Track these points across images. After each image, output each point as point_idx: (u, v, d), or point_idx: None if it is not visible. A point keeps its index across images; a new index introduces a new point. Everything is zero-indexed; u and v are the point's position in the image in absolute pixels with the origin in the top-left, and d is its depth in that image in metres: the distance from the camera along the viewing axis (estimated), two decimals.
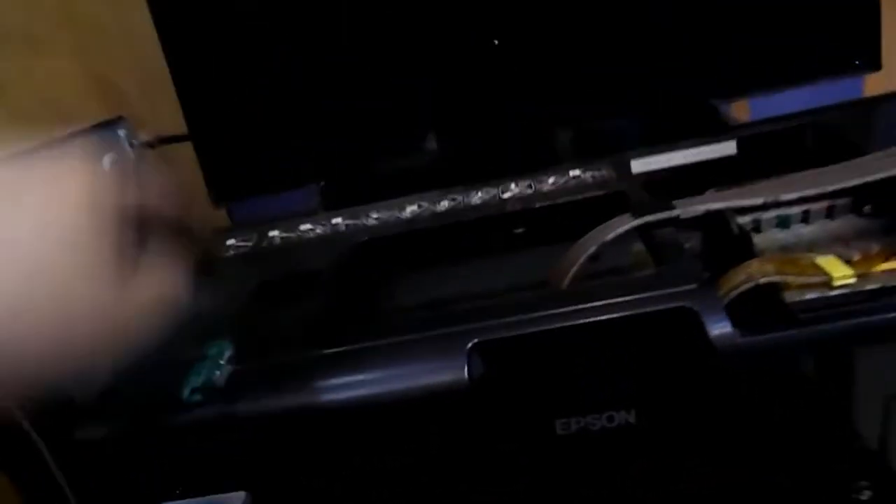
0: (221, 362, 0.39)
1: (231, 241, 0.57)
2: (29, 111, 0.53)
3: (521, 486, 0.40)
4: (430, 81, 0.58)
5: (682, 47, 0.56)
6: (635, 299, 0.35)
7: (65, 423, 0.38)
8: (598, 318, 0.35)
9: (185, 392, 0.37)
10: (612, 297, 0.36)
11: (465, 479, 0.39)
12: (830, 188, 0.42)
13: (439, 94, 0.58)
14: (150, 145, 0.61)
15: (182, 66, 0.58)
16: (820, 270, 0.37)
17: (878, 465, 0.38)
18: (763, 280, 0.36)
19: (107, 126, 0.55)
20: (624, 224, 0.42)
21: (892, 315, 0.34)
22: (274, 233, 0.56)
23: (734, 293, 0.36)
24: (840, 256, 0.38)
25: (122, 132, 0.56)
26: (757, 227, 0.46)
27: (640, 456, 0.39)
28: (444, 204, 0.53)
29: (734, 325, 0.34)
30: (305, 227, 0.56)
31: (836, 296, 0.36)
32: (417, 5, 0.57)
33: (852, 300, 0.35)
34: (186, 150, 0.65)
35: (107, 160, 0.54)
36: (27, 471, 0.41)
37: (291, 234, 0.55)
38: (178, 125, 0.65)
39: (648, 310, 0.35)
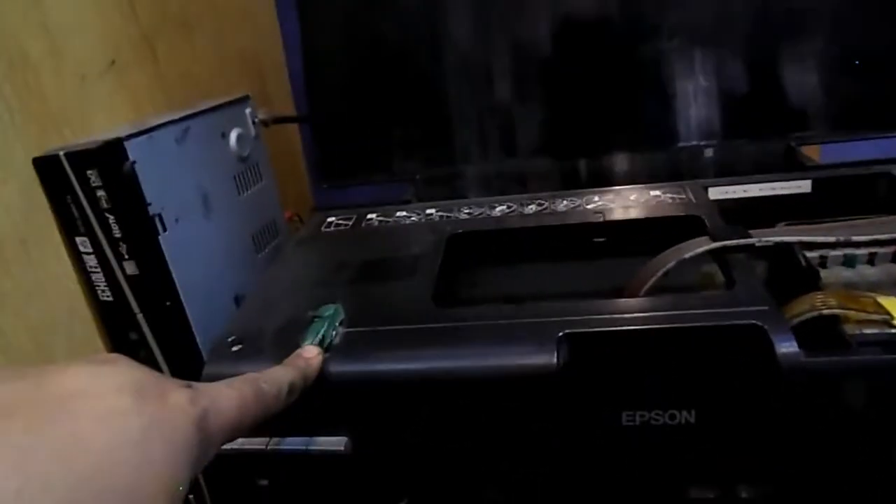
0: (336, 324, 0.44)
1: (331, 220, 0.63)
2: (175, 83, 0.60)
3: (585, 467, 0.44)
4: (535, 104, 0.64)
5: (771, 94, 0.60)
6: (712, 313, 0.40)
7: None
8: (676, 325, 0.40)
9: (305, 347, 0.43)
10: (691, 309, 0.41)
11: (538, 453, 0.44)
12: None
13: (544, 116, 0.64)
14: (266, 124, 0.68)
15: (314, 57, 0.64)
16: (881, 309, 0.41)
17: None
18: (826, 311, 0.40)
19: (234, 103, 0.62)
20: (703, 245, 0.46)
21: None
22: (372, 216, 0.62)
23: (797, 320, 0.40)
24: None
25: (247, 110, 0.63)
26: (824, 263, 0.50)
27: (696, 454, 0.43)
28: (532, 207, 0.58)
29: (800, 346, 0.38)
30: (401, 214, 0.61)
31: (893, 333, 0.40)
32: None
33: None
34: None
35: (233, 134, 0.61)
36: None
37: (388, 219, 0.61)
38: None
39: (724, 323, 0.39)
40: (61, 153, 0.44)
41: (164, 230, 0.49)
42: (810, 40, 0.62)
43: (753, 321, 0.39)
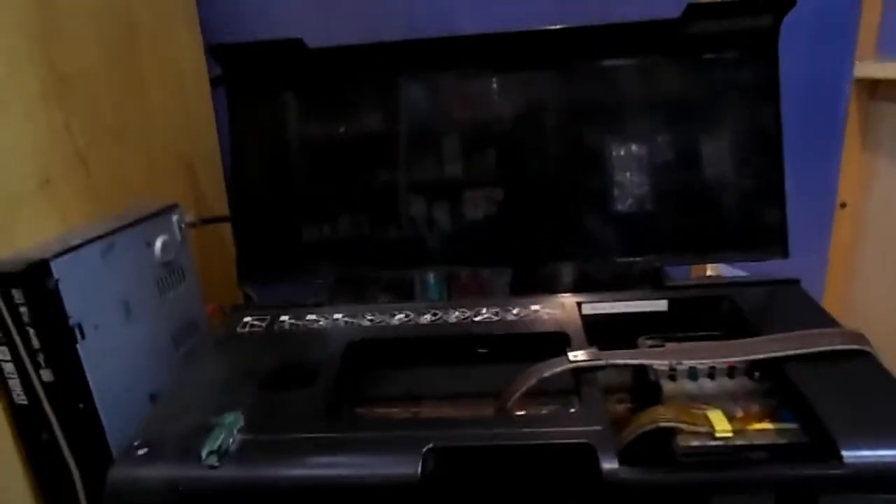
0: (235, 431, 0.50)
1: (247, 320, 0.68)
2: (106, 191, 0.65)
3: None
4: (444, 218, 0.72)
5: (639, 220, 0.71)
6: (554, 431, 0.47)
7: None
8: (520, 443, 0.47)
9: (204, 454, 0.48)
10: (538, 427, 0.48)
11: None
12: (720, 360, 0.54)
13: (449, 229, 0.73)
14: (194, 225, 0.73)
15: (241, 159, 0.71)
16: (707, 422, 0.49)
17: None
18: (663, 423, 0.48)
19: (162, 213, 0.68)
20: (561, 365, 0.54)
21: (747, 473, 0.45)
22: (284, 318, 0.68)
23: (640, 430, 0.48)
24: (727, 412, 0.50)
25: (174, 217, 0.69)
26: (673, 376, 0.58)
27: None
28: (427, 317, 0.65)
29: (621, 462, 0.45)
30: (311, 317, 0.68)
31: (714, 445, 0.47)
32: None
33: (724, 451, 0.47)
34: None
35: (158, 242, 0.66)
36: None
37: (298, 322, 0.67)
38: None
39: (560, 441, 0.46)
40: None
41: (83, 338, 0.53)
42: (676, 178, 0.73)
43: (585, 440, 0.46)
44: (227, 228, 0.88)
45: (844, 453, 0.43)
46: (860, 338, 0.54)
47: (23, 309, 0.49)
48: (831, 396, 0.48)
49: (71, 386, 0.52)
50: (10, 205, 0.54)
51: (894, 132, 0.94)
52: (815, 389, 0.49)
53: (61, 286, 0.51)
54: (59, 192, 0.59)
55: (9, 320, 0.50)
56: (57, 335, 0.51)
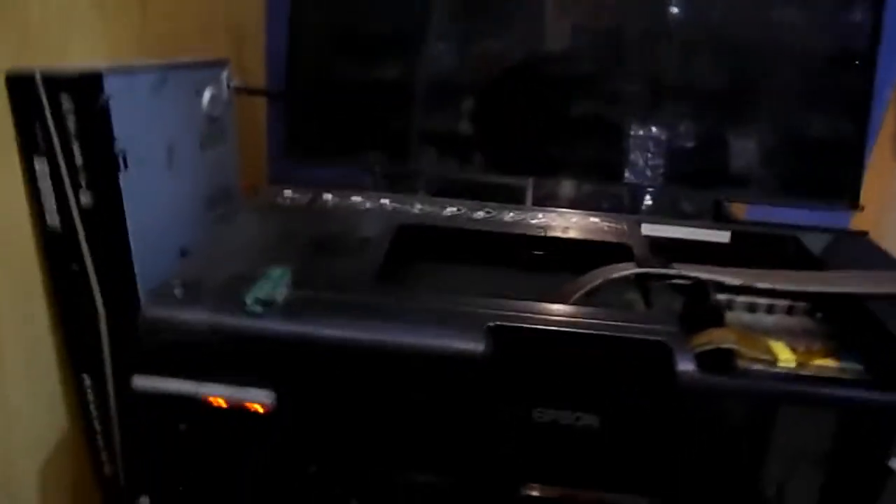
0: (282, 285, 0.46)
1: (288, 193, 0.65)
2: (156, 37, 0.61)
3: (494, 455, 0.48)
4: (500, 123, 0.68)
5: (710, 152, 0.67)
6: (627, 326, 0.44)
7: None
8: (594, 332, 0.44)
9: (249, 301, 0.44)
10: (609, 320, 0.45)
11: (452, 435, 0.47)
12: (795, 288, 0.52)
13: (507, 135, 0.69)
14: (239, 91, 0.69)
15: (299, 33, 0.67)
16: (770, 351, 0.46)
17: None
18: (724, 345, 0.45)
19: (214, 65, 0.63)
20: (630, 269, 0.51)
21: (816, 390, 0.43)
22: (327, 196, 0.64)
23: (700, 349, 0.45)
24: (789, 345, 0.48)
25: (224, 74, 0.64)
26: (730, 306, 0.56)
27: (596, 457, 0.47)
28: (480, 214, 0.62)
29: (697, 364, 0.43)
30: (356, 199, 0.64)
31: (775, 372, 0.45)
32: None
33: (788, 378, 0.45)
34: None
35: (207, 93, 0.62)
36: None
37: (343, 202, 0.63)
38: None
39: (635, 336, 0.44)
40: (37, 73, 0.44)
41: (126, 168, 0.49)
42: (753, 113, 0.69)
43: (661, 339, 0.43)
44: (260, 108, 0.84)
45: None
46: None
47: (70, 118, 0.45)
48: None
49: (109, 214, 0.49)
50: (66, 17, 0.50)
51: None
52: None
53: (112, 105, 0.47)
54: (114, 18, 0.55)
55: (53, 128, 0.45)
56: (102, 155, 0.47)
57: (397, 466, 0.51)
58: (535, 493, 0.53)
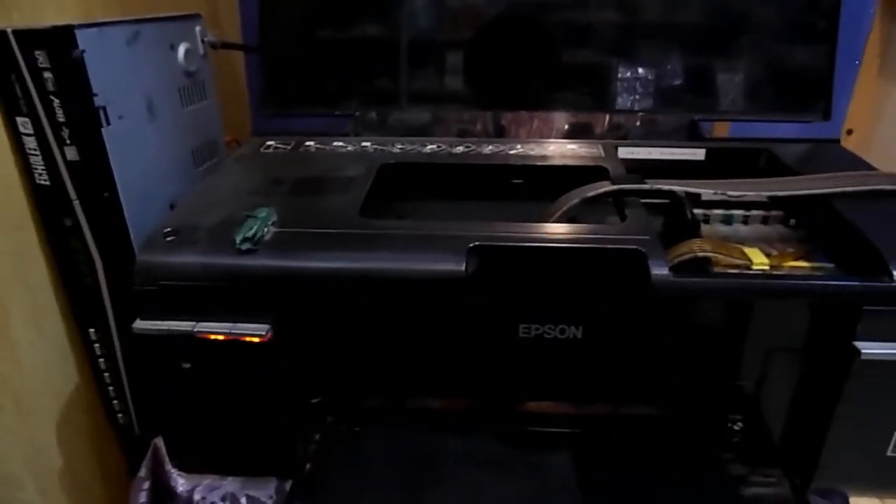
0: (269, 223, 0.48)
1: (271, 143, 0.66)
2: None
3: (483, 371, 0.50)
4: (474, 61, 0.69)
5: (683, 75, 0.68)
6: (603, 237, 0.46)
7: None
8: (571, 245, 0.46)
9: (238, 239, 0.46)
10: (586, 234, 0.47)
11: (443, 355, 0.49)
12: (764, 193, 0.53)
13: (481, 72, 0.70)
14: (214, 46, 0.69)
15: None
16: (745, 256, 0.48)
17: (752, 403, 0.49)
18: (701, 254, 0.47)
19: (186, 18, 0.64)
20: (605, 187, 0.52)
21: (786, 282, 0.45)
22: (310, 143, 0.65)
23: (678, 259, 0.47)
24: (763, 251, 0.50)
25: (197, 28, 0.65)
26: (707, 219, 0.57)
27: (580, 366, 0.49)
28: (460, 149, 0.63)
29: (670, 268, 0.45)
30: (338, 143, 0.65)
31: (749, 273, 0.47)
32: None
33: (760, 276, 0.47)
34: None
35: (181, 48, 0.62)
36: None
37: (325, 147, 0.64)
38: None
39: (611, 247, 0.45)
40: (9, 30, 0.45)
41: (108, 124, 0.50)
42: (730, 40, 0.70)
43: (635, 246, 0.45)
44: (239, 62, 0.84)
45: (894, 271, 0.43)
46: None
47: (47, 75, 0.46)
48: (878, 224, 0.47)
49: (96, 169, 0.50)
50: None
51: None
52: (862, 218, 0.48)
53: (87, 59, 0.48)
54: None
55: (31, 87, 0.46)
56: (83, 110, 0.48)
57: (393, 390, 0.53)
58: (529, 410, 0.56)
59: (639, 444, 0.54)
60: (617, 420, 0.54)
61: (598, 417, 0.55)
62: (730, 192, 0.53)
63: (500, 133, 0.71)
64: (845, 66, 0.83)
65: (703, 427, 0.52)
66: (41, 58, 0.46)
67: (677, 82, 0.70)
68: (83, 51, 0.47)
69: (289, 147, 0.65)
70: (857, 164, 0.61)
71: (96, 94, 0.49)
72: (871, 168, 0.59)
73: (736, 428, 0.51)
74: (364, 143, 0.65)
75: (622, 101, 0.70)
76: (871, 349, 0.43)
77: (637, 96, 0.71)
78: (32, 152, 0.49)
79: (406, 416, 0.55)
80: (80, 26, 0.48)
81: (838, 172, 0.54)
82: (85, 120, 0.48)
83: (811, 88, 0.68)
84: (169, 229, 0.48)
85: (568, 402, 0.54)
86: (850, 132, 1.00)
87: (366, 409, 0.55)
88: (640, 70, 0.71)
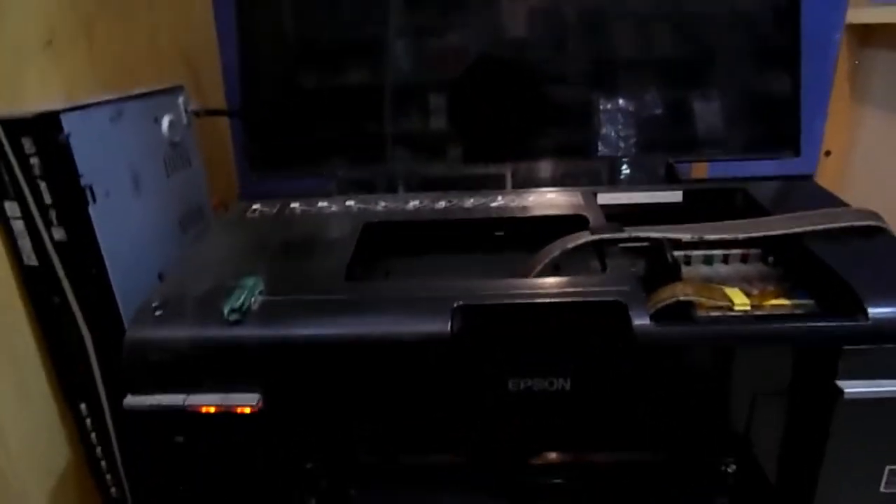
0: (256, 292, 0.49)
1: (256, 207, 0.67)
2: (109, 69, 0.62)
3: (477, 428, 0.50)
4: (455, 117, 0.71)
5: (658, 119, 0.70)
6: (585, 290, 0.47)
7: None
8: (552, 301, 0.47)
9: (226, 311, 0.47)
10: (567, 287, 0.48)
11: (434, 415, 0.49)
12: (741, 235, 0.54)
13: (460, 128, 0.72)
14: (198, 114, 0.71)
15: (249, 52, 0.69)
16: (726, 297, 0.49)
17: (743, 445, 0.49)
18: (683, 297, 0.48)
19: (168, 91, 0.65)
20: (585, 237, 0.54)
21: (766, 327, 0.46)
22: (295, 205, 0.67)
23: (661, 304, 0.48)
24: (744, 290, 0.51)
25: (180, 99, 0.66)
26: (688, 261, 0.59)
27: (571, 418, 0.50)
28: (442, 204, 0.64)
29: (651, 318, 0.45)
30: (322, 204, 0.66)
31: (731, 316, 0.48)
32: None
33: (741, 320, 0.47)
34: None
35: (165, 120, 0.64)
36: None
37: (310, 208, 0.66)
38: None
39: (592, 299, 0.46)
40: None
41: (94, 201, 0.51)
42: (699, 82, 0.73)
43: (616, 298, 0.46)
44: (225, 127, 0.85)
45: (870, 310, 0.44)
46: (875, 215, 0.55)
47: (33, 160, 0.47)
48: (852, 262, 0.49)
49: (83, 247, 0.51)
50: (17, 60, 0.52)
51: (884, 81, 0.95)
52: (836, 257, 0.49)
53: (72, 142, 0.49)
54: (64, 55, 0.57)
55: (18, 172, 0.47)
56: (69, 191, 0.49)
57: (385, 452, 0.53)
58: (523, 463, 0.56)
59: (634, 491, 0.54)
60: (612, 468, 0.54)
61: (593, 466, 0.55)
62: (707, 236, 0.54)
63: (483, 184, 0.73)
64: (814, 98, 0.86)
65: (697, 471, 0.52)
66: (27, 144, 0.47)
67: (653, 127, 0.72)
68: (68, 134, 0.49)
69: (274, 211, 0.66)
70: (828, 199, 0.62)
71: (82, 175, 0.50)
72: (842, 203, 0.60)
73: (729, 471, 0.51)
74: (348, 203, 0.66)
75: (601, 149, 0.73)
76: (853, 388, 0.44)
77: (615, 142, 0.73)
78: (20, 235, 0.49)
79: (400, 476, 0.55)
80: (65, 110, 0.49)
81: (809, 211, 0.56)
82: (71, 200, 0.49)
83: (779, 126, 0.70)
84: (156, 303, 0.49)
85: (561, 453, 0.54)
86: (828, 153, 1.02)
87: (360, 471, 0.55)
88: (617, 113, 0.73)
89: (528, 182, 0.73)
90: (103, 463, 0.58)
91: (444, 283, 0.49)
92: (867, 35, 0.94)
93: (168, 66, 0.75)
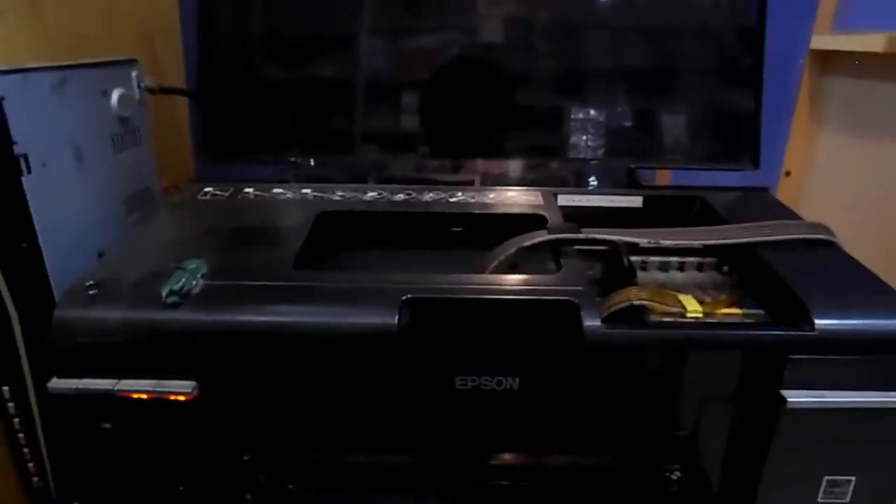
0: (198, 276, 0.47)
1: (208, 190, 0.64)
2: (59, 40, 0.59)
3: (422, 426, 0.49)
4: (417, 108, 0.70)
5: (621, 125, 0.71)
6: (537, 289, 0.46)
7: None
8: (504, 297, 0.46)
9: (164, 293, 0.45)
10: (520, 285, 0.47)
11: (377, 410, 0.48)
12: (697, 242, 0.55)
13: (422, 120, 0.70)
14: (152, 91, 0.68)
15: (210, 33, 0.66)
16: (679, 303, 0.49)
17: (688, 452, 0.49)
18: (637, 302, 0.48)
19: (120, 64, 0.63)
20: (541, 236, 0.53)
21: (716, 333, 0.46)
22: (248, 190, 0.64)
23: (615, 308, 0.48)
24: (697, 298, 0.51)
25: (133, 73, 0.64)
26: (644, 267, 0.58)
27: (519, 418, 0.49)
28: (400, 196, 0.63)
29: (602, 320, 0.45)
30: (277, 190, 0.64)
31: (683, 322, 0.48)
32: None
33: (690, 326, 0.47)
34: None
35: (115, 94, 0.61)
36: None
37: (264, 194, 0.63)
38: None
39: (544, 298, 0.45)
40: None
41: (29, 171, 0.48)
42: (664, 90, 0.73)
43: (568, 298, 0.45)
44: (181, 108, 0.83)
45: (816, 320, 0.44)
46: (826, 229, 0.56)
47: None
48: (801, 274, 0.49)
49: (14, 219, 0.48)
50: None
51: (840, 106, 0.97)
52: (787, 268, 0.50)
53: (6, 106, 0.46)
54: (7, 25, 0.53)
55: None
56: (1, 159, 0.46)
57: (327, 449, 0.52)
58: (469, 463, 0.54)
59: (578, 494, 0.53)
60: (556, 471, 0.54)
61: (541, 469, 0.54)
62: (663, 241, 0.54)
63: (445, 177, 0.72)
64: (778, 112, 0.88)
65: (642, 476, 0.52)
66: None
67: (617, 132, 0.72)
68: (2, 97, 0.46)
69: (226, 194, 0.63)
70: (783, 212, 0.63)
71: (16, 143, 0.47)
72: (795, 216, 0.61)
73: (674, 477, 0.51)
74: (304, 190, 0.64)
75: (565, 150, 0.72)
76: (797, 397, 0.44)
77: (580, 144, 0.73)
78: None
79: (341, 473, 0.53)
80: (1, 72, 0.46)
81: (764, 221, 0.56)
82: (3, 168, 0.47)
83: (740, 138, 0.71)
84: (91, 282, 0.46)
85: (508, 454, 0.54)
86: (788, 173, 1.04)
87: (300, 468, 0.53)
88: (584, 118, 0.73)
89: (493, 181, 0.73)
90: (26, 451, 0.55)
91: (393, 275, 0.48)
92: (828, 60, 0.97)
93: (126, 42, 0.72)
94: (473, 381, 0.47)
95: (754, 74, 0.70)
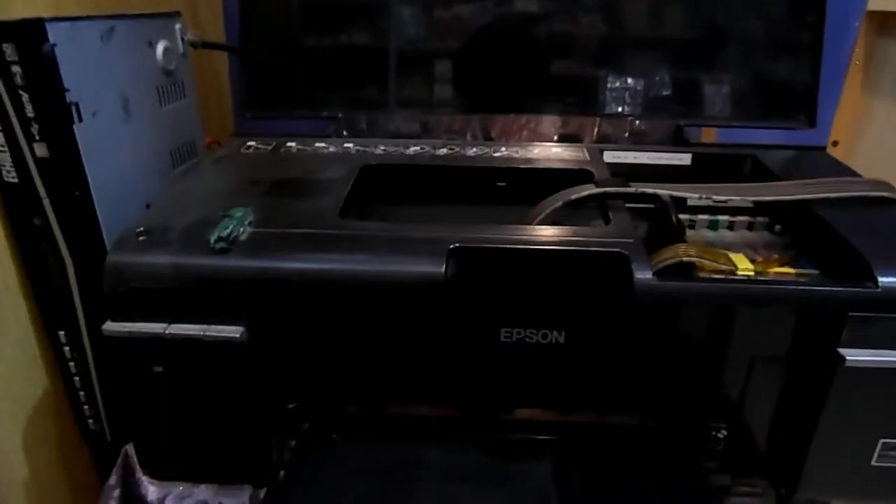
0: (245, 223, 0.47)
1: (251, 144, 0.65)
2: None
3: (464, 377, 0.49)
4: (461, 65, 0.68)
5: (670, 82, 0.68)
6: (586, 240, 0.45)
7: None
8: (552, 248, 0.45)
9: (212, 239, 0.45)
10: (569, 236, 0.46)
11: (422, 359, 0.48)
12: (750, 198, 0.53)
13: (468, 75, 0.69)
14: (195, 45, 0.68)
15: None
16: (730, 261, 0.48)
17: (736, 411, 0.48)
18: (686, 258, 0.46)
19: (165, 16, 0.62)
20: (588, 189, 0.52)
21: (771, 288, 0.44)
22: (291, 144, 0.64)
23: (663, 264, 0.46)
24: (748, 257, 0.49)
25: (177, 26, 0.63)
26: (693, 225, 0.57)
27: (564, 373, 0.48)
28: (443, 151, 0.62)
29: (653, 273, 0.44)
30: (320, 144, 0.64)
31: (734, 278, 0.46)
32: None
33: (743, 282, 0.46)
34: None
35: (160, 46, 0.61)
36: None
37: (307, 148, 0.63)
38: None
39: (594, 249, 0.45)
40: None
41: (80, 120, 0.49)
42: (710, 46, 0.70)
43: (619, 250, 0.44)
44: (222, 67, 0.83)
45: (880, 278, 0.42)
46: (890, 186, 0.53)
47: (16, 69, 0.45)
48: (863, 231, 0.47)
49: (67, 166, 0.48)
50: None
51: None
52: (847, 225, 0.48)
53: (58, 53, 0.46)
54: None
55: None
56: (54, 106, 0.47)
57: (371, 396, 0.52)
58: (510, 417, 0.54)
59: (621, 452, 0.53)
60: (599, 428, 0.53)
61: (581, 425, 0.54)
62: (714, 197, 0.53)
63: (487, 138, 0.71)
64: (830, 76, 0.83)
65: (687, 435, 0.51)
66: (9, 51, 0.44)
67: (665, 89, 0.70)
68: (54, 45, 0.46)
69: (269, 148, 0.63)
70: (842, 170, 0.60)
71: (68, 90, 0.48)
72: (855, 175, 0.58)
73: (720, 436, 0.50)
74: (347, 145, 0.64)
75: (610, 108, 0.70)
76: (855, 356, 0.42)
77: (625, 102, 0.70)
78: (0, 148, 0.47)
79: (384, 423, 0.54)
80: (52, 20, 0.46)
81: (823, 178, 0.54)
82: (55, 116, 0.47)
83: (797, 97, 0.68)
84: (141, 229, 0.47)
85: (550, 410, 0.53)
86: (835, 143, 1.00)
87: (343, 415, 0.54)
88: (629, 78, 0.71)
89: (532, 139, 0.71)
90: (82, 394, 0.56)
91: (440, 225, 0.47)
92: (886, 23, 0.91)
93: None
94: (519, 333, 0.47)
95: (815, 29, 0.67)
